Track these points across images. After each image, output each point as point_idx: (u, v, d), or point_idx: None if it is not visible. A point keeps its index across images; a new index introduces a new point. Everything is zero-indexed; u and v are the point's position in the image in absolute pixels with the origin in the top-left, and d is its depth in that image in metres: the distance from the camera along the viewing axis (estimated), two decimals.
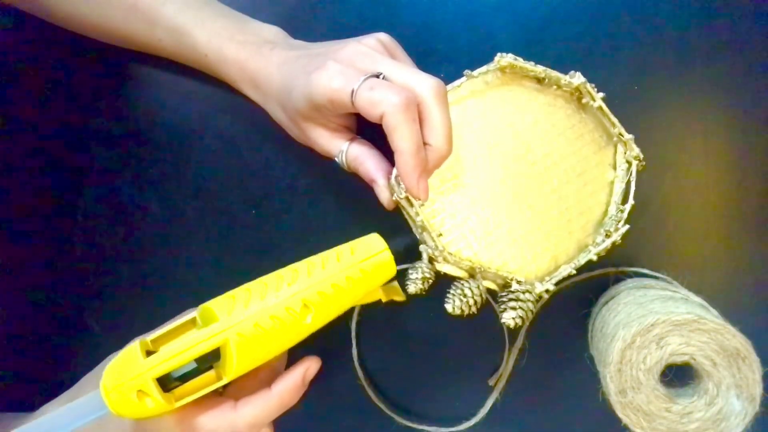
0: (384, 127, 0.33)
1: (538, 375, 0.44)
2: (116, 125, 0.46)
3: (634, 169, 0.41)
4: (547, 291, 0.40)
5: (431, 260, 0.39)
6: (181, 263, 0.45)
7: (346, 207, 0.45)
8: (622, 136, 0.41)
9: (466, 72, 0.41)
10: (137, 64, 0.46)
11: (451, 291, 0.39)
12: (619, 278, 0.42)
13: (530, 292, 0.39)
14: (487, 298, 0.40)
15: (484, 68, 0.41)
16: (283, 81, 0.38)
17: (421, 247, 0.40)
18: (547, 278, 0.40)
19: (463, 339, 0.44)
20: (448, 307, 0.38)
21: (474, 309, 0.38)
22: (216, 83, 0.45)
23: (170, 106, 0.45)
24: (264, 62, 0.39)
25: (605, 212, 0.42)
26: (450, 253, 0.39)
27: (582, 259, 0.40)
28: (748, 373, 0.33)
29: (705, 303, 0.37)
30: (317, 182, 0.45)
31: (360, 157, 0.38)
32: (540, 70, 0.41)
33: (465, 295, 0.38)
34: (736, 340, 0.33)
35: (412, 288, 0.38)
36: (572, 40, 0.44)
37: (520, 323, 0.38)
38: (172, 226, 0.45)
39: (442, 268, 0.40)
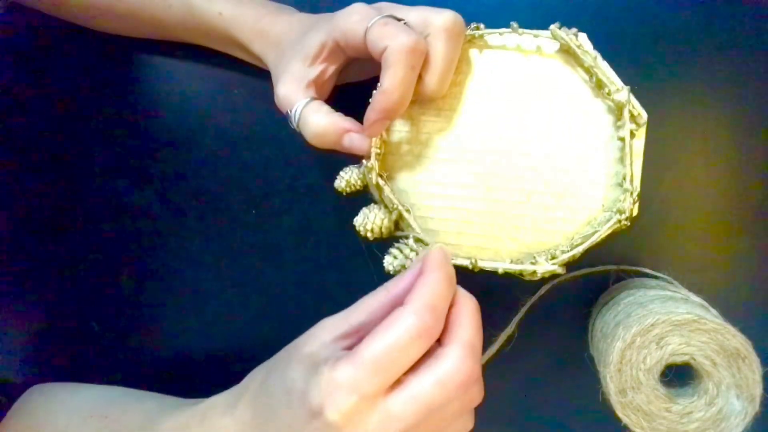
0: (382, 62, 0.32)
1: (538, 375, 0.44)
2: (116, 125, 0.46)
3: (626, 212, 0.37)
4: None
5: (370, 171, 0.36)
6: (182, 263, 0.45)
7: (346, 207, 0.45)
8: (632, 181, 0.37)
9: (513, 24, 0.38)
10: (138, 64, 0.46)
11: (365, 210, 0.37)
12: (619, 278, 0.42)
13: (423, 244, 0.36)
14: (388, 233, 0.38)
15: (535, 31, 0.38)
16: (302, 28, 0.38)
17: (368, 161, 0.36)
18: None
19: None
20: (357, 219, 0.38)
21: (370, 233, 0.37)
22: (216, 83, 0.45)
23: (170, 106, 0.46)
24: (287, 18, 0.40)
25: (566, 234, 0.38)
26: (384, 178, 0.37)
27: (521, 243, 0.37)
28: (748, 373, 0.33)
29: (705, 303, 0.37)
30: (317, 182, 0.45)
31: (328, 111, 0.36)
32: (592, 56, 0.37)
33: (373, 214, 0.37)
34: (736, 340, 0.33)
35: (339, 183, 0.38)
36: None
37: (397, 269, 0.36)
38: (172, 226, 0.45)
39: (374, 187, 0.37)
